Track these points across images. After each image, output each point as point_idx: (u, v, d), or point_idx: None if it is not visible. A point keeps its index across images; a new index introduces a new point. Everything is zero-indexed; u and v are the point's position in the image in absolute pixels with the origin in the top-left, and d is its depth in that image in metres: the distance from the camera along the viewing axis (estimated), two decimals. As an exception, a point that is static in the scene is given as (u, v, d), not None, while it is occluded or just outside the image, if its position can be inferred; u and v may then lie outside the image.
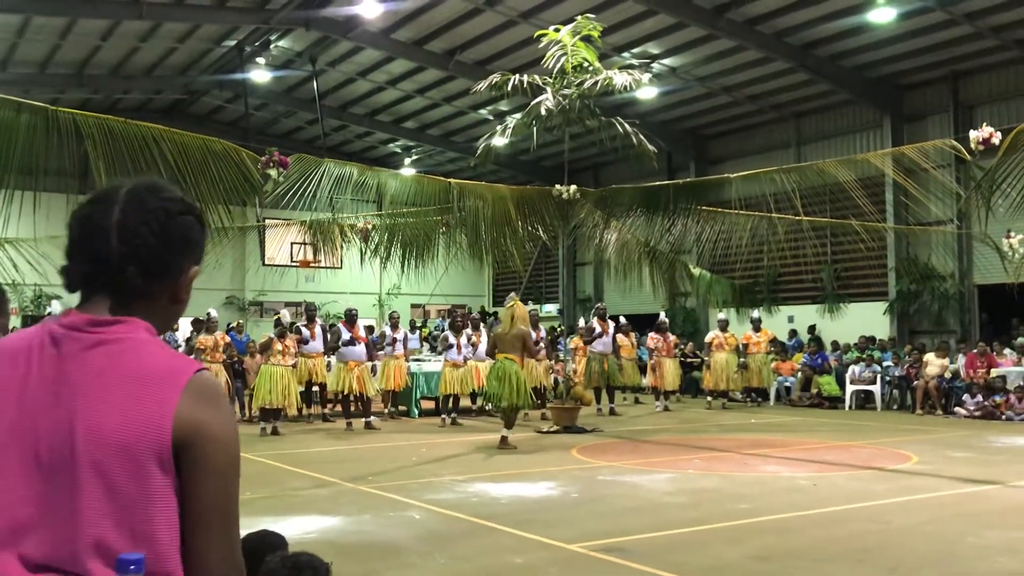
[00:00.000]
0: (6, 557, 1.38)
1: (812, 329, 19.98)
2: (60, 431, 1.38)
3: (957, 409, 14.54)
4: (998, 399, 14.28)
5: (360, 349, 13.61)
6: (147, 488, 1.37)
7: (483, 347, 14.44)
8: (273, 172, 9.29)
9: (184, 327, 16.95)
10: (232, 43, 20.10)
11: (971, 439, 11.77)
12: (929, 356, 15.74)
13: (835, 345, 18.72)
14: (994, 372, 14.95)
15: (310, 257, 20.43)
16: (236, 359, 14.54)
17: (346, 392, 13.42)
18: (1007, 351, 15.89)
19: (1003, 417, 14.00)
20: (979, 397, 14.44)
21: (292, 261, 22.70)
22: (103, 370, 1.41)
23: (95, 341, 1.43)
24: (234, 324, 18.42)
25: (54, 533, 1.38)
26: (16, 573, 1.37)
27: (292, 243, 20.92)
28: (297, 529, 6.37)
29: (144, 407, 1.38)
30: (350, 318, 13.85)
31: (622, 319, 17.05)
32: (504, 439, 10.98)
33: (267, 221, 17.31)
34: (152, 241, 1.45)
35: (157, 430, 1.37)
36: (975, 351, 15.62)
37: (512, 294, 12.24)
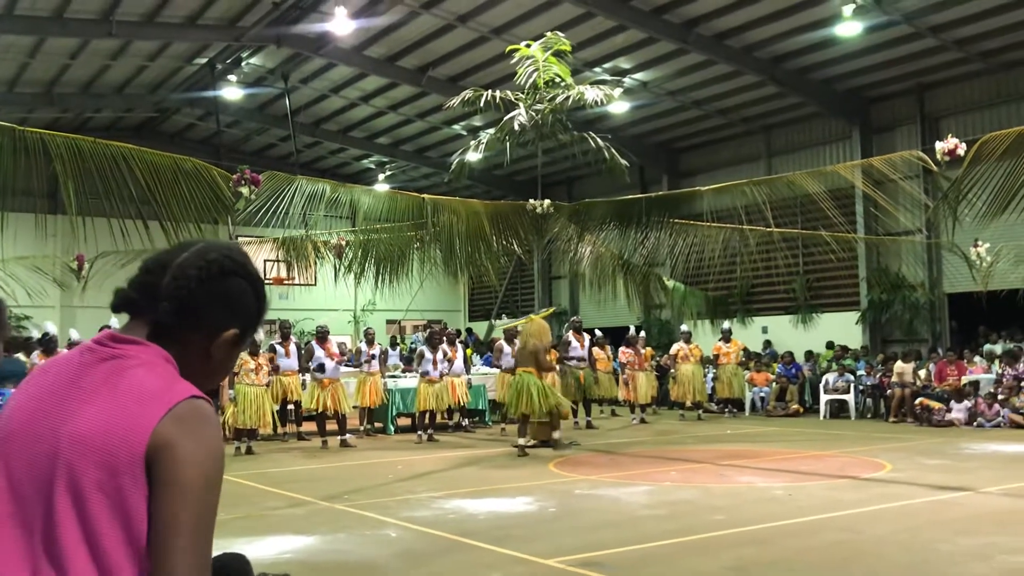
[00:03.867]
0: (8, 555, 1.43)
1: (767, 344, 20.13)
2: (52, 434, 1.45)
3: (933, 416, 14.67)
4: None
5: (333, 366, 13.55)
6: (119, 499, 1.40)
7: (459, 362, 14.46)
8: (245, 190, 9.27)
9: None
10: (203, 61, 20.02)
11: (944, 446, 11.89)
12: (899, 364, 15.92)
13: (808, 355, 18.87)
14: (965, 379, 15.13)
15: (283, 274, 20.29)
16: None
17: (321, 410, 13.34)
18: (977, 358, 16.09)
19: (975, 424, 14.16)
20: (965, 403, 14.55)
21: (265, 278, 22.43)
22: (105, 381, 1.47)
23: (109, 355, 1.51)
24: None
25: (33, 537, 1.43)
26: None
27: (265, 260, 20.72)
28: (272, 549, 6.31)
29: (128, 419, 1.43)
30: (321, 335, 13.77)
31: (598, 332, 17.09)
32: (521, 447, 11.72)
33: (239, 239, 17.18)
34: (193, 285, 1.53)
35: (134, 442, 1.41)
36: (945, 359, 15.81)
37: (542, 311, 12.82)
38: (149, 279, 1.55)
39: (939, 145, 9.62)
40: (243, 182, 9.24)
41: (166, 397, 1.45)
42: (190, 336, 1.56)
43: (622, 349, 16.86)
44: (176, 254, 1.57)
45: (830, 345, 18.67)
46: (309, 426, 14.24)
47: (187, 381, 1.53)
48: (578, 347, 15.42)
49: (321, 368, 13.32)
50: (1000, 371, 14.96)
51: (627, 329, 17.43)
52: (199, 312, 1.55)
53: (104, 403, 1.44)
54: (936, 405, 14.64)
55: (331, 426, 13.50)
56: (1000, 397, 14.21)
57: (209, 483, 1.45)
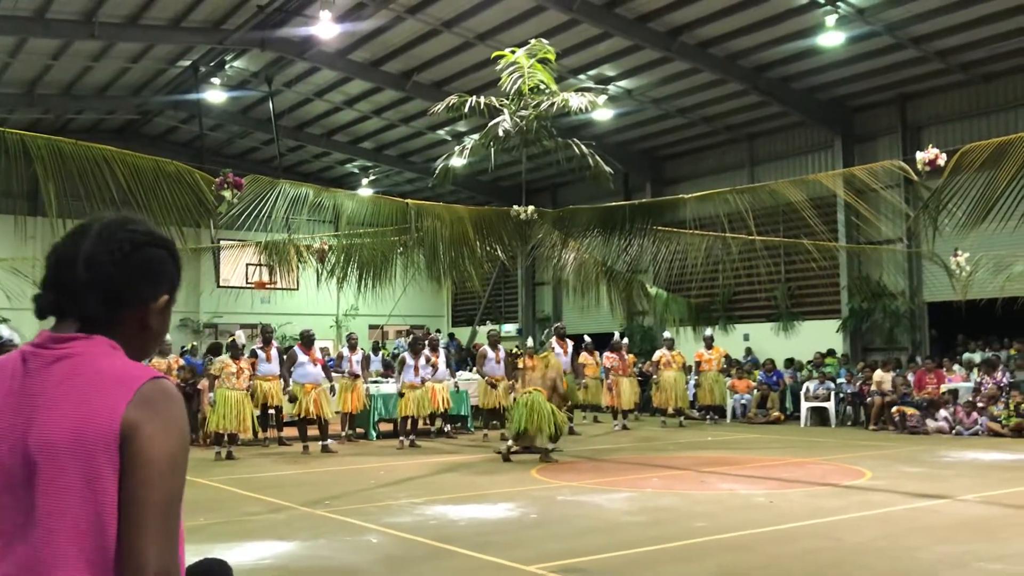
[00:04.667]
0: None
1: (749, 352, 20.28)
2: (17, 442, 1.45)
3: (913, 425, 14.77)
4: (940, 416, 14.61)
5: (316, 370, 13.50)
6: (98, 491, 1.42)
7: (443, 368, 14.43)
8: (227, 193, 9.24)
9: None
10: (187, 63, 19.92)
11: (923, 454, 11.97)
12: (877, 372, 16.05)
13: (789, 362, 18.96)
14: (943, 387, 15.24)
15: (266, 278, 20.21)
16: (191, 382, 14.30)
17: (303, 415, 13.27)
18: (955, 367, 16.22)
19: (953, 432, 14.27)
20: (942, 411, 14.66)
21: (247, 283, 22.44)
22: (61, 381, 1.48)
23: (57, 356, 1.51)
24: (187, 347, 18.15)
25: (15, 543, 1.44)
26: None
27: (247, 264, 20.69)
28: (251, 555, 6.27)
29: (95, 409, 1.44)
30: (307, 340, 13.71)
31: (587, 338, 17.12)
32: (507, 449, 11.69)
33: (222, 242, 17.12)
34: (111, 270, 1.53)
35: (106, 430, 1.43)
36: (924, 367, 15.92)
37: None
38: (63, 277, 1.54)
39: (920, 155, 9.70)
40: (226, 185, 9.21)
41: (128, 383, 1.47)
42: (123, 316, 1.56)
43: (606, 354, 16.88)
44: (77, 244, 1.55)
45: (831, 353, 18.78)
46: (290, 431, 14.17)
47: (138, 362, 1.55)
48: (561, 353, 15.43)
49: (293, 399, 13.28)
50: (979, 380, 15.08)
51: (610, 335, 17.45)
52: (125, 292, 1.55)
53: (68, 402, 1.45)
54: (912, 412, 14.75)
55: (312, 431, 13.44)
56: (979, 405, 14.33)
57: (175, 462, 1.46)
